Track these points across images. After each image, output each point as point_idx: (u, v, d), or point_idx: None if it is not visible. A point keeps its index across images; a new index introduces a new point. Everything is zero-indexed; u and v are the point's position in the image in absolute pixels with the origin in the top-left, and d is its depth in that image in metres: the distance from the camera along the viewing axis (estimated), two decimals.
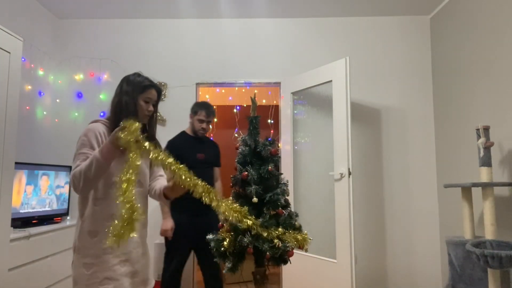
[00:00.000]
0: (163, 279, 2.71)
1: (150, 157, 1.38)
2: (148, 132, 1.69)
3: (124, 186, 1.29)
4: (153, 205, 2.77)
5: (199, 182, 1.39)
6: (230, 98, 5.24)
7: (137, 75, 1.70)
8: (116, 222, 1.26)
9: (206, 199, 1.39)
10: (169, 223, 2.65)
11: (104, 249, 1.52)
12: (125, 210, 1.27)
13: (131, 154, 1.35)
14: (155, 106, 1.70)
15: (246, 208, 1.48)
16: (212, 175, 2.90)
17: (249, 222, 1.47)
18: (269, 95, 4.66)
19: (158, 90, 1.71)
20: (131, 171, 1.31)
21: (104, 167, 1.43)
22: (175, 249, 2.71)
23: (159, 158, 1.37)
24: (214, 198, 1.41)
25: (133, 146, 1.35)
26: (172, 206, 2.71)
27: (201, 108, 2.81)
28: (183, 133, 2.91)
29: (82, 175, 1.42)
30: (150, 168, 1.75)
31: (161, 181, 1.73)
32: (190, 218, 2.69)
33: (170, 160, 1.38)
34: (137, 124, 1.37)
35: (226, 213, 1.43)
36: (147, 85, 1.65)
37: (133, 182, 1.32)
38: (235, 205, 1.46)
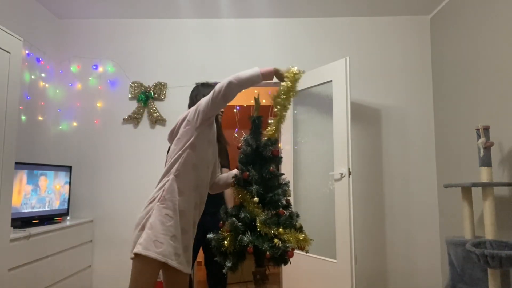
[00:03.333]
0: None
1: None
2: (217, 132, 1.94)
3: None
4: None
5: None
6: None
7: (207, 85, 2.02)
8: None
9: None
10: None
11: (181, 211, 1.72)
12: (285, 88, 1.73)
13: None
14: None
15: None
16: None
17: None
18: (269, 95, 4.66)
19: None
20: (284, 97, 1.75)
21: (256, 82, 1.71)
22: None
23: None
24: None
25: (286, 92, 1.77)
26: None
27: None
28: None
29: (240, 76, 1.69)
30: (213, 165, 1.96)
31: (225, 174, 2.01)
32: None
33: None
34: (300, 73, 1.76)
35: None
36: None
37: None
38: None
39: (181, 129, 1.80)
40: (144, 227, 1.69)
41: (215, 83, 1.92)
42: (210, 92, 1.84)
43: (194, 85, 3.70)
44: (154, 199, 1.73)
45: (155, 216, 1.68)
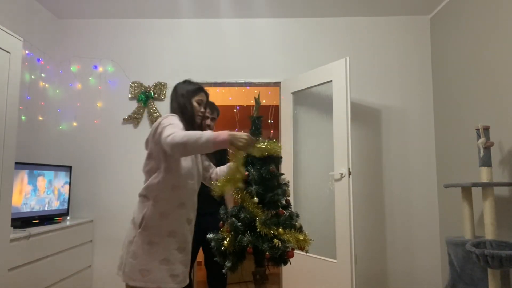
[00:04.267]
0: None
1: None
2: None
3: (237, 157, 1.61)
4: None
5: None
6: (230, 98, 5.24)
7: (188, 81, 1.91)
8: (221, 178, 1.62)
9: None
10: None
11: (169, 232, 1.67)
12: (231, 169, 1.61)
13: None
14: (205, 109, 1.91)
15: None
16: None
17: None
18: (269, 95, 4.66)
19: (206, 93, 1.91)
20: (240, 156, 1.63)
21: (208, 150, 1.53)
22: None
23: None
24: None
25: (240, 159, 1.64)
26: None
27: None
28: None
29: (187, 143, 1.49)
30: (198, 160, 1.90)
31: (214, 170, 1.96)
32: (196, 218, 2.69)
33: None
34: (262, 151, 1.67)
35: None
36: (198, 88, 1.87)
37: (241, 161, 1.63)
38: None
39: (152, 145, 1.70)
40: (126, 249, 1.65)
41: (196, 83, 1.89)
42: (190, 89, 1.81)
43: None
44: (135, 224, 1.66)
45: (137, 244, 1.62)
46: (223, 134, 1.50)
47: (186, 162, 1.73)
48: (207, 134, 1.49)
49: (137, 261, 1.61)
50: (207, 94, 1.91)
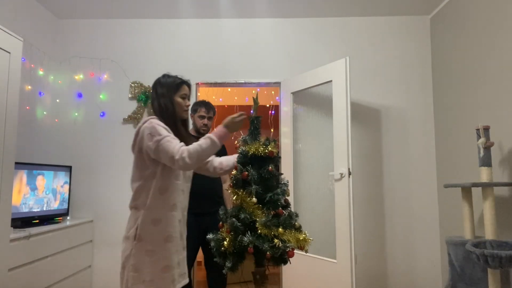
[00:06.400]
0: None
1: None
2: (186, 125, 1.84)
3: None
4: None
5: None
6: (231, 98, 5.24)
7: (167, 76, 1.80)
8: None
9: None
10: None
11: (166, 237, 1.64)
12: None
13: None
14: (189, 99, 1.84)
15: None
16: (219, 177, 2.91)
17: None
18: (269, 95, 4.66)
19: (189, 84, 1.83)
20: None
21: (217, 149, 1.60)
22: None
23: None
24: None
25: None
26: None
27: (200, 106, 2.83)
28: None
29: (199, 154, 1.55)
30: None
31: (216, 159, 1.91)
32: (195, 218, 2.70)
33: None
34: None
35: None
36: (179, 83, 1.78)
37: None
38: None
39: (137, 155, 1.67)
40: (125, 266, 1.62)
41: (175, 76, 1.79)
42: (171, 86, 1.73)
43: (194, 85, 3.69)
44: (129, 236, 1.63)
45: (136, 257, 1.60)
46: (221, 131, 1.62)
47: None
48: (209, 140, 1.58)
49: (138, 273, 1.58)
50: (189, 85, 1.82)
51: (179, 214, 1.74)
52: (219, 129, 1.63)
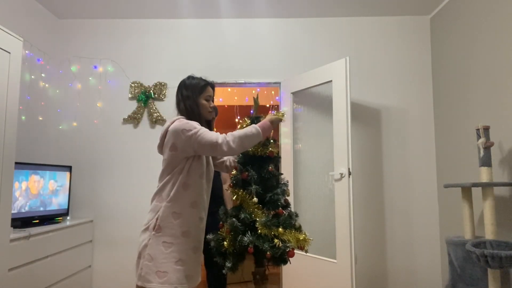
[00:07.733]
0: None
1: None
2: (210, 126, 1.87)
3: None
4: None
5: None
6: (231, 98, 5.24)
7: (192, 78, 1.83)
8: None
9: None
10: None
11: (183, 232, 1.66)
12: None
13: None
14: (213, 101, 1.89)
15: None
16: (220, 177, 2.90)
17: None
18: (269, 95, 4.66)
19: (213, 86, 1.87)
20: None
21: (258, 141, 1.65)
22: None
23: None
24: None
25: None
26: None
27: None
28: None
29: (243, 140, 1.60)
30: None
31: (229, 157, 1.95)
32: None
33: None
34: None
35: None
36: (204, 85, 1.80)
37: None
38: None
39: (167, 152, 1.69)
40: (141, 255, 1.65)
41: (200, 78, 1.82)
42: (196, 88, 1.76)
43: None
44: (149, 227, 1.67)
45: (152, 246, 1.63)
46: (266, 124, 1.68)
47: (199, 161, 1.73)
48: (254, 129, 1.63)
49: (152, 263, 1.61)
50: (213, 87, 1.86)
51: (200, 212, 1.75)
52: (264, 121, 1.68)
